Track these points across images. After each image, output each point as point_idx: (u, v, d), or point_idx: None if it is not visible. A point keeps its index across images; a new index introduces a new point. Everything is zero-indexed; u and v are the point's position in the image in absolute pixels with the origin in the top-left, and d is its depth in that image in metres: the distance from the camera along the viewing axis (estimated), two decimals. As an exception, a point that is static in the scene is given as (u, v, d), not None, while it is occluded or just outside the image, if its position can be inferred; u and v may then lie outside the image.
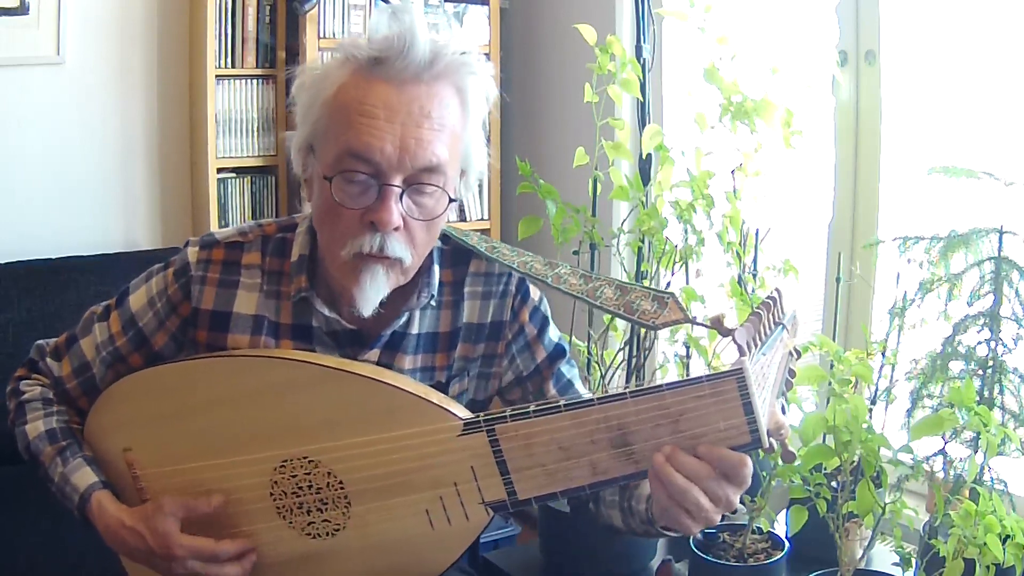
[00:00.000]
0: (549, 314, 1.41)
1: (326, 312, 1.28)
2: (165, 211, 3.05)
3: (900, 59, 2.19)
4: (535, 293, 1.39)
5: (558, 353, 1.40)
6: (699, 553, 1.61)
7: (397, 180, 1.17)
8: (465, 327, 1.35)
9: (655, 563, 1.79)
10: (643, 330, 1.87)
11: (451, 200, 1.22)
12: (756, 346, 1.07)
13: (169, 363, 1.32)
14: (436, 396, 1.21)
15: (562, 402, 1.11)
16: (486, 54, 3.21)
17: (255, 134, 2.95)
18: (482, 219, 3.25)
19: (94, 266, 2.70)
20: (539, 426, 1.11)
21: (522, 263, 1.34)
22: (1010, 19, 2.02)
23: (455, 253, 1.36)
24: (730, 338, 1.06)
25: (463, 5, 3.15)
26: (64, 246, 2.78)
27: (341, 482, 1.20)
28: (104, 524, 1.27)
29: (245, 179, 2.98)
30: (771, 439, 1.07)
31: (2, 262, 2.60)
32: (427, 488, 1.17)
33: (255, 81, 2.93)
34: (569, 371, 1.40)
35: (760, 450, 1.07)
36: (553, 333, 1.40)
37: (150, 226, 3.03)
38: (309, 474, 1.21)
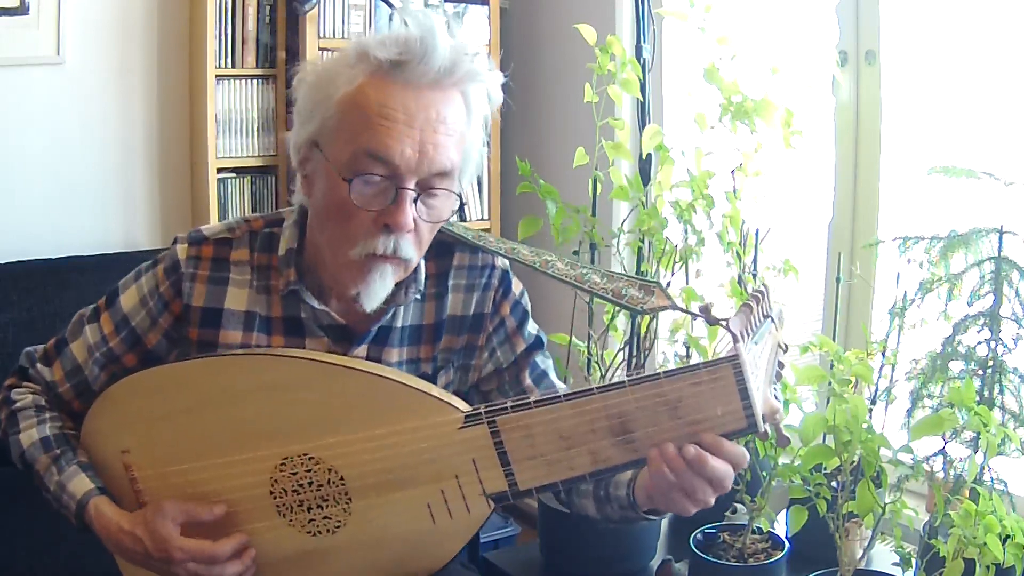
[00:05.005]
0: (529, 308, 1.43)
1: (315, 305, 1.29)
2: (165, 211, 3.05)
3: (900, 59, 2.19)
4: (516, 287, 1.41)
5: (536, 345, 1.42)
6: (699, 553, 1.61)
7: (412, 184, 1.19)
8: (449, 319, 1.37)
9: (655, 563, 1.79)
10: (643, 330, 1.87)
11: (461, 203, 1.26)
12: (748, 335, 1.09)
13: (166, 364, 1.32)
14: (436, 390, 1.22)
15: (562, 392, 1.12)
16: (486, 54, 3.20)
17: (255, 134, 2.94)
18: (482, 219, 3.24)
19: (94, 266, 2.69)
20: (540, 416, 1.12)
21: (508, 249, 1.36)
22: (1010, 19, 2.02)
23: (439, 246, 1.35)
24: (724, 327, 1.08)
25: (463, 5, 3.14)
26: (64, 246, 2.77)
27: (342, 478, 1.20)
28: (103, 528, 1.26)
29: (245, 179, 2.97)
30: (766, 424, 1.09)
31: (2, 262, 2.60)
32: (428, 482, 1.17)
33: (255, 81, 2.92)
34: (544, 362, 1.43)
35: (755, 434, 1.09)
36: (532, 326, 1.43)
37: (150, 226, 3.02)
38: (310, 471, 1.21)
